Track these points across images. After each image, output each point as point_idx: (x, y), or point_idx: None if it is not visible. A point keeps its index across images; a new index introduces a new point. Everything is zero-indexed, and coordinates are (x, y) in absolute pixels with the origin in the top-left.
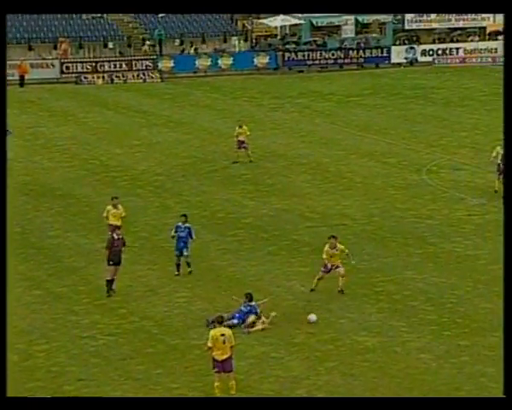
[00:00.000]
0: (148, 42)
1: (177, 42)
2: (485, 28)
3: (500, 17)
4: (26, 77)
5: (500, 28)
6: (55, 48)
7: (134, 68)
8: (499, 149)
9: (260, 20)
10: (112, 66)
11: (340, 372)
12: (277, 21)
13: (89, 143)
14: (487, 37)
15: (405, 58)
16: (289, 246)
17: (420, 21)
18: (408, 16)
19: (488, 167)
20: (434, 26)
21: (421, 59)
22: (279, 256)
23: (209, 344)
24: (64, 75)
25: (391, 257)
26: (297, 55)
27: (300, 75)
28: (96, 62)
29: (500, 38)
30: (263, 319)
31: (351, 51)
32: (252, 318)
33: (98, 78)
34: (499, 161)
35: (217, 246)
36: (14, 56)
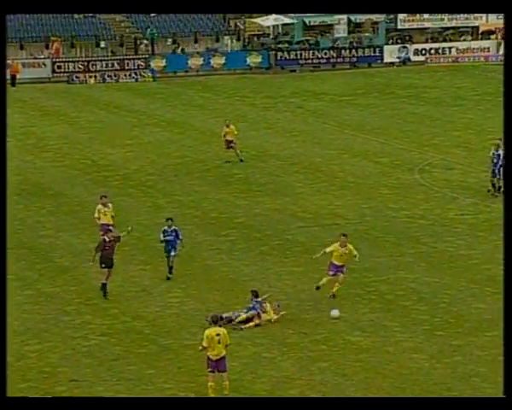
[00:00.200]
0: (145, 41)
1: (170, 41)
2: (477, 27)
3: (493, 17)
4: (18, 76)
5: (493, 28)
6: (47, 47)
7: (126, 68)
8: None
9: (253, 20)
10: (104, 65)
11: (332, 372)
12: (270, 21)
13: (80, 143)
14: (480, 36)
15: (398, 57)
16: (282, 246)
17: (412, 21)
18: (400, 16)
19: (481, 167)
20: (427, 25)
21: (414, 58)
22: (272, 256)
23: (204, 344)
24: (56, 74)
25: (383, 257)
26: (289, 55)
27: (293, 75)
28: (88, 62)
29: (493, 37)
30: (263, 315)
31: (343, 51)
32: (250, 313)
33: (90, 77)
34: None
35: (209, 246)
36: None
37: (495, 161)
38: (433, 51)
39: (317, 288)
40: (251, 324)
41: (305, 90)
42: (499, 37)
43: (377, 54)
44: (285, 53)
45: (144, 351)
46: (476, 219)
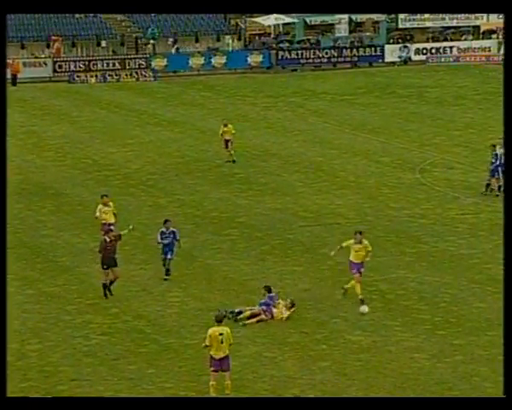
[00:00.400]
0: (151, 41)
1: (171, 41)
2: (478, 27)
3: (494, 16)
4: (19, 76)
5: (494, 27)
6: (48, 46)
7: (127, 67)
8: (498, 148)
9: (254, 19)
10: (105, 64)
11: (333, 372)
12: (271, 20)
13: (81, 142)
14: (481, 35)
15: (399, 57)
16: (283, 245)
17: (413, 20)
18: (401, 15)
19: (482, 166)
20: (428, 24)
21: (415, 58)
22: (272, 255)
23: (207, 343)
24: (57, 74)
25: (384, 256)
26: (290, 54)
27: (294, 74)
28: (89, 61)
29: (494, 36)
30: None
31: (344, 50)
32: (256, 309)
33: (91, 76)
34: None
35: (210, 245)
36: (7, 55)
37: (493, 160)
38: (434, 51)
39: (344, 291)
40: (253, 320)
41: (306, 89)
42: (500, 36)
43: (378, 53)
44: (286, 52)
45: (145, 350)
46: (477, 218)
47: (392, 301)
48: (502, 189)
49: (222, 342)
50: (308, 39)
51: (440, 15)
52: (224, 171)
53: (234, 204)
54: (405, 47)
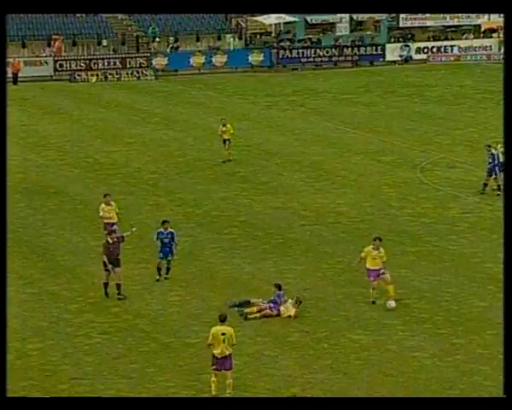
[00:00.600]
0: (157, 39)
1: (172, 39)
2: (479, 26)
3: (494, 15)
4: (19, 74)
5: (495, 26)
6: (49, 45)
7: (128, 66)
8: (499, 147)
9: (254, 18)
10: (106, 63)
11: (334, 371)
12: (272, 19)
13: (82, 141)
14: (482, 34)
15: (400, 56)
16: (283, 244)
17: (414, 19)
18: (402, 14)
19: (483, 165)
20: (429, 23)
21: (416, 57)
22: (273, 254)
23: (209, 341)
24: (58, 73)
25: (385, 255)
26: (291, 53)
27: (295, 73)
28: (90, 60)
29: (495, 35)
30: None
31: (345, 49)
32: (262, 306)
33: (92, 75)
34: (501, 160)
35: (211, 244)
36: (8, 54)
37: (490, 160)
38: (435, 50)
39: (373, 302)
40: (257, 314)
41: (307, 88)
42: (501, 35)
43: (379, 52)
44: (287, 51)
45: (146, 349)
46: (478, 217)
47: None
48: (502, 187)
49: (224, 342)
50: (309, 38)
51: (441, 14)
52: (225, 170)
53: (235, 203)
54: (406, 46)
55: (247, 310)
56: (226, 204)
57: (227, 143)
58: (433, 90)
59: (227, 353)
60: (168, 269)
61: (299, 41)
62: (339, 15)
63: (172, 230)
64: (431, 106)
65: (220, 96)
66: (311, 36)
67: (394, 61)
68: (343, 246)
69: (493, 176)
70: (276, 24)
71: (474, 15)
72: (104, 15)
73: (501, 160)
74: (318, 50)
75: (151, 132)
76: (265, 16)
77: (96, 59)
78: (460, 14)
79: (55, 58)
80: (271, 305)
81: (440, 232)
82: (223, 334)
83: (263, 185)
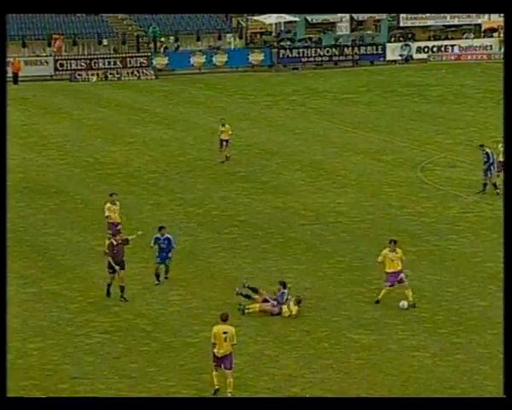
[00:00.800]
0: (162, 39)
1: (172, 39)
2: (480, 25)
3: (495, 14)
4: (20, 74)
5: (495, 25)
6: (49, 45)
7: (128, 65)
8: (500, 147)
9: (255, 18)
10: (106, 63)
11: (334, 370)
12: (272, 18)
13: (83, 141)
14: (482, 34)
15: (400, 55)
16: (284, 243)
17: (415, 19)
18: (403, 14)
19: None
20: (429, 23)
21: (416, 56)
22: (274, 254)
23: (212, 341)
24: (58, 72)
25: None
26: (292, 53)
27: (295, 72)
28: (91, 59)
29: (495, 35)
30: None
31: (346, 48)
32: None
33: (92, 75)
34: (500, 159)
35: (211, 244)
36: (8, 53)
37: (485, 160)
38: (435, 49)
39: (377, 301)
40: (256, 309)
41: (308, 87)
42: (502, 35)
43: (379, 52)
44: (287, 51)
45: (146, 349)
46: (478, 216)
47: (393, 300)
48: (498, 184)
49: (225, 341)
50: (309, 38)
51: (442, 14)
52: (225, 169)
53: (235, 202)
54: (407, 45)
55: (249, 306)
56: (226, 204)
57: (224, 143)
58: (434, 90)
59: (227, 352)
60: (167, 271)
61: (300, 40)
62: (339, 15)
63: (169, 235)
64: (431, 105)
65: (221, 96)
66: (311, 35)
67: (395, 61)
68: (343, 246)
69: (489, 175)
70: (276, 23)
71: (474, 15)
72: (104, 15)
73: (499, 158)
74: (319, 50)
75: (151, 132)
76: (266, 16)
77: (97, 58)
78: (460, 14)
79: (56, 58)
80: (275, 302)
81: (441, 232)
82: (224, 333)
83: (263, 185)
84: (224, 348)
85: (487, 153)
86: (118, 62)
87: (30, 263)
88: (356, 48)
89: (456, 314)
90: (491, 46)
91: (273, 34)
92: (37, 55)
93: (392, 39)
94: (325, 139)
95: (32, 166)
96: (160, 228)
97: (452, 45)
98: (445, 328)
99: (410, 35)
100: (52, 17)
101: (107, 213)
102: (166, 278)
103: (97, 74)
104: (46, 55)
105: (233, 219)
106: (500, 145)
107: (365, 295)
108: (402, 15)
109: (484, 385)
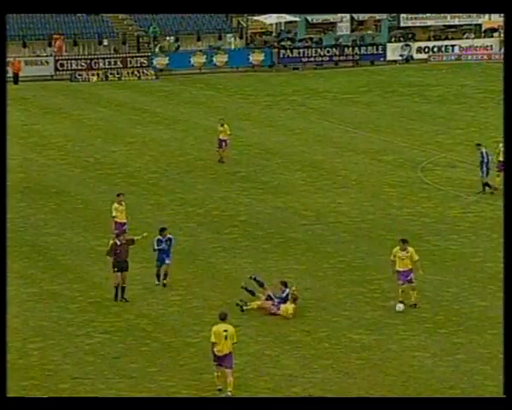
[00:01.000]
0: (167, 38)
1: (172, 39)
2: (480, 25)
3: (495, 14)
4: (20, 74)
5: (496, 25)
6: (50, 45)
7: (129, 65)
8: (501, 147)
9: (255, 18)
10: (106, 63)
11: (335, 370)
12: (272, 18)
13: (83, 141)
14: (483, 34)
15: (401, 55)
16: (284, 244)
17: (415, 19)
18: (403, 14)
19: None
20: (430, 23)
21: (417, 56)
22: (274, 254)
23: (212, 340)
24: (58, 72)
25: (386, 255)
26: (292, 53)
27: (295, 72)
28: (91, 59)
29: (496, 35)
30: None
31: (346, 48)
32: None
33: (93, 75)
34: (500, 158)
35: (212, 244)
36: (9, 53)
37: (481, 159)
38: (435, 49)
39: (401, 302)
40: (254, 305)
41: (308, 88)
42: (502, 35)
43: (380, 52)
44: (288, 51)
45: (146, 349)
46: (479, 216)
47: (393, 300)
48: (491, 184)
49: (226, 339)
50: (310, 38)
51: (442, 14)
52: (226, 169)
53: (235, 203)
54: (407, 45)
55: (249, 303)
56: (227, 204)
57: (224, 144)
58: (434, 90)
59: (228, 351)
60: (166, 275)
61: (300, 40)
62: (339, 15)
63: (171, 236)
64: (432, 105)
65: (221, 96)
66: (311, 35)
67: (395, 61)
68: (344, 246)
69: (480, 174)
70: (276, 23)
71: (474, 15)
72: (105, 15)
73: (499, 158)
74: (319, 50)
75: (152, 132)
76: (266, 16)
77: (97, 58)
78: (460, 14)
79: (56, 58)
80: (276, 301)
81: (441, 232)
82: (225, 331)
83: (263, 185)
84: (225, 347)
85: (481, 152)
86: (118, 62)
87: (30, 263)
88: (356, 48)
89: (457, 314)
90: (491, 46)
91: (273, 34)
92: (38, 56)
93: (393, 39)
94: (325, 139)
95: (32, 167)
96: (162, 230)
97: (453, 45)
98: (445, 328)
99: (410, 35)
100: (52, 17)
101: (114, 213)
102: (165, 285)
103: (98, 74)
104: (46, 55)
105: (233, 220)
106: (501, 145)
107: (366, 295)
108: (402, 15)
109: (484, 385)
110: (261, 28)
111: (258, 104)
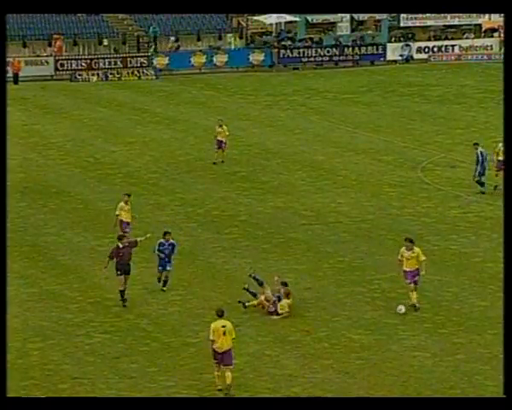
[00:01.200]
0: (172, 38)
1: (172, 39)
2: (480, 25)
3: (495, 14)
4: (20, 74)
5: (496, 25)
6: (50, 45)
7: (129, 65)
8: (500, 146)
9: (255, 18)
10: (106, 63)
11: (334, 370)
12: (272, 18)
13: (83, 141)
14: (483, 34)
15: (401, 55)
16: (284, 243)
17: (415, 19)
18: (403, 13)
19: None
20: (430, 23)
21: (417, 56)
22: (274, 254)
23: (211, 337)
24: (58, 72)
25: (386, 255)
26: (292, 53)
27: (295, 72)
28: (91, 59)
29: (496, 35)
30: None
31: (346, 48)
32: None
33: (93, 75)
34: (500, 158)
35: (212, 244)
36: (9, 53)
37: (476, 158)
38: (435, 49)
39: (414, 306)
40: (255, 302)
41: (308, 87)
42: (502, 35)
43: (380, 52)
44: (288, 51)
45: (146, 349)
46: (479, 216)
47: (393, 300)
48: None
49: (224, 334)
50: (310, 38)
51: (442, 14)
52: (226, 169)
53: (235, 203)
54: (407, 45)
55: (250, 302)
56: (227, 204)
57: (222, 144)
58: (434, 90)
59: (228, 347)
60: (166, 282)
61: (300, 40)
62: (340, 15)
63: (173, 241)
64: (432, 105)
65: (221, 96)
66: (311, 35)
67: (395, 61)
68: (344, 246)
69: (474, 173)
70: (276, 23)
71: (474, 15)
72: (105, 15)
73: (499, 157)
74: (319, 50)
75: (152, 132)
76: (266, 16)
77: (97, 58)
78: (461, 14)
79: (56, 58)
80: (276, 300)
81: (441, 232)
82: (223, 326)
83: (263, 185)
84: (225, 343)
85: (478, 152)
86: (118, 62)
87: (30, 263)
88: (356, 48)
89: (457, 314)
90: (491, 46)
91: (273, 34)
92: (38, 55)
93: (393, 39)
94: (325, 139)
95: (32, 167)
96: (165, 233)
97: (453, 45)
98: (445, 328)
99: (410, 35)
100: (52, 17)
101: (117, 212)
102: (163, 290)
103: (98, 74)
104: (46, 55)
105: (233, 220)
106: (500, 144)
107: (365, 295)
108: (402, 15)
109: (484, 385)
110: (261, 28)
111: (258, 104)
